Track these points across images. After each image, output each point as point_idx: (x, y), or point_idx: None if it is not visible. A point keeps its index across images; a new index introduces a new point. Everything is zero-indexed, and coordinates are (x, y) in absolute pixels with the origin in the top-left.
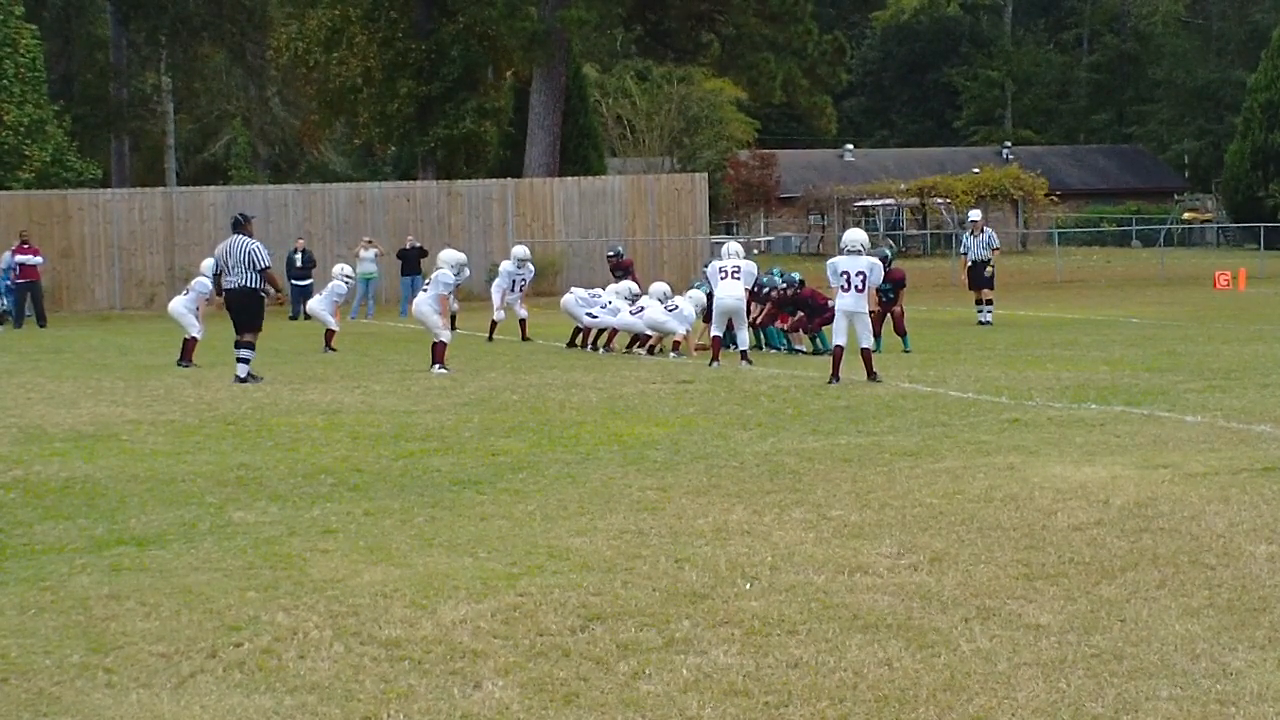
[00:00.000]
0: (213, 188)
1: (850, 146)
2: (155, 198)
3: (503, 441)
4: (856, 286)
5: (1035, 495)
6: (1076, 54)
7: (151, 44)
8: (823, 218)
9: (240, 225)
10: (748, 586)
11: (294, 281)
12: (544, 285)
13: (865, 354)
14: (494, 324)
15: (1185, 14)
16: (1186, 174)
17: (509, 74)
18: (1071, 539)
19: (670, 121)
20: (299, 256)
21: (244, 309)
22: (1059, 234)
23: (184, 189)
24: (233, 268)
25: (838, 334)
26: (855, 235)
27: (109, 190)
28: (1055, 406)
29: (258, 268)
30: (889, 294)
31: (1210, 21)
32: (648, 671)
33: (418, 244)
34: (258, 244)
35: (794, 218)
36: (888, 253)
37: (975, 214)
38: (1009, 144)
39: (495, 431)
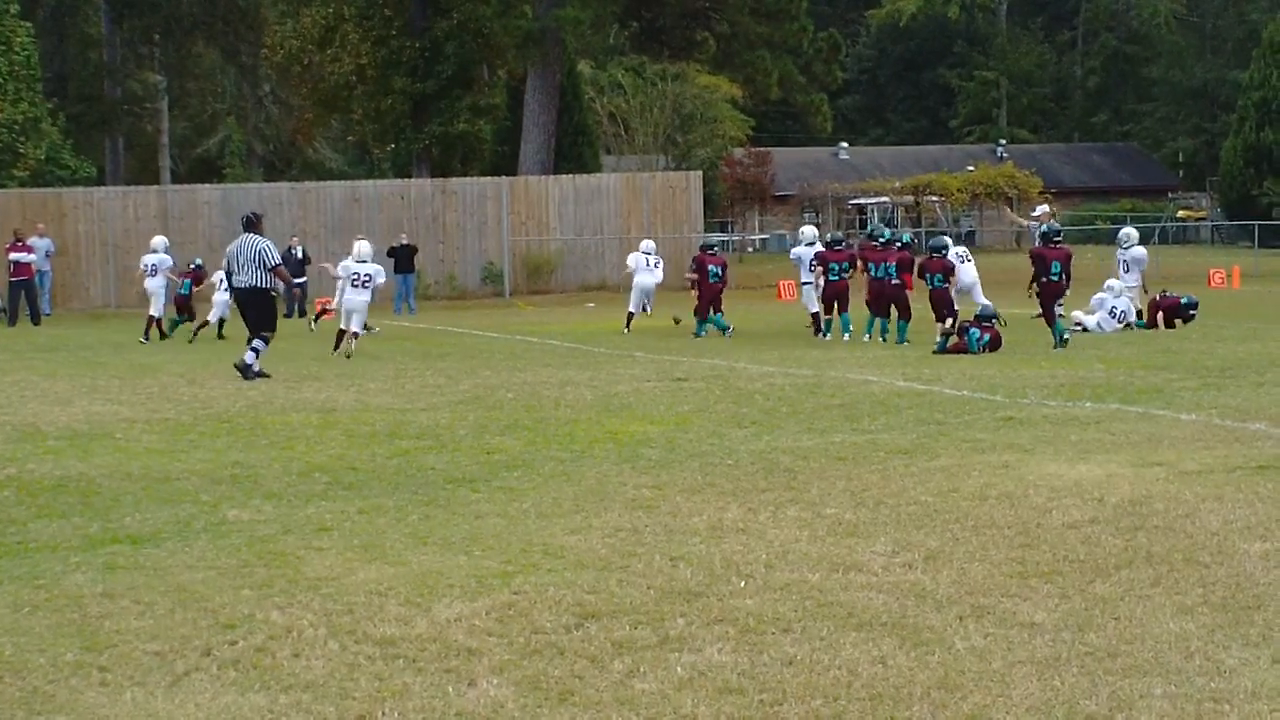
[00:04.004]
0: (207, 186)
1: (845, 144)
2: (150, 196)
3: (497, 439)
4: None
5: (1030, 493)
6: (1072, 54)
7: (145, 42)
8: (817, 215)
9: (251, 224)
10: (742, 584)
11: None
12: (539, 284)
13: None
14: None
15: (1182, 12)
16: (1181, 172)
17: (503, 72)
18: (1066, 537)
19: (664, 119)
20: (294, 255)
21: (255, 307)
22: None
23: (178, 187)
24: (242, 266)
25: None
26: None
27: (103, 188)
28: (1050, 404)
29: (268, 266)
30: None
31: (1206, 20)
32: (642, 669)
33: (405, 241)
34: (268, 243)
35: (789, 215)
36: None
37: (1043, 208)
38: (1003, 141)
39: (490, 429)
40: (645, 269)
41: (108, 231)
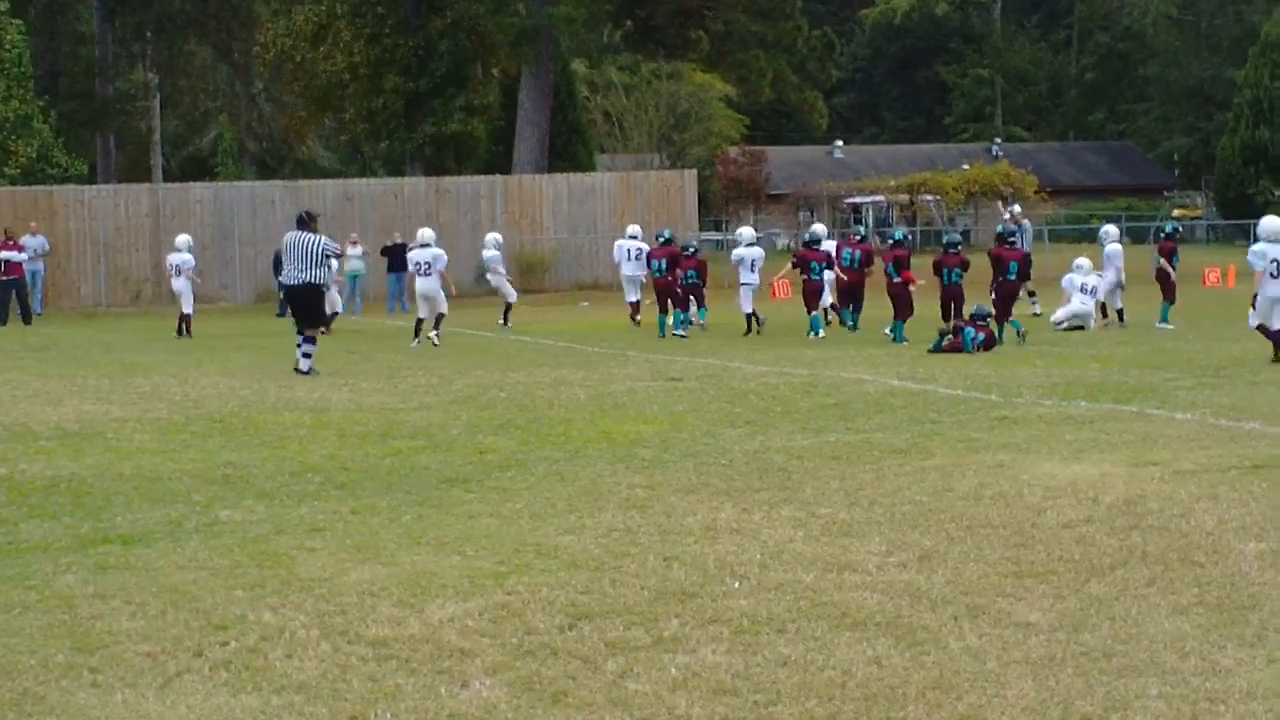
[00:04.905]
0: (199, 184)
1: (840, 143)
2: (141, 194)
3: (491, 439)
4: (1278, 273)
5: (1025, 493)
6: (1067, 52)
7: (137, 40)
8: (812, 214)
9: (305, 222)
10: (736, 585)
11: (281, 279)
12: (533, 283)
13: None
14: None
15: (1176, 12)
16: (1176, 171)
17: (496, 70)
18: (1061, 536)
19: (659, 117)
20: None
21: (306, 304)
22: (1049, 230)
23: (170, 185)
24: (295, 263)
25: (1269, 317)
26: (1278, 224)
27: (95, 186)
28: (1045, 404)
29: (330, 257)
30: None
31: (1201, 19)
32: (636, 670)
33: (399, 240)
34: (324, 238)
35: (784, 214)
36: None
37: (1015, 208)
38: (999, 140)
39: (483, 429)
40: (629, 261)
41: (99, 230)
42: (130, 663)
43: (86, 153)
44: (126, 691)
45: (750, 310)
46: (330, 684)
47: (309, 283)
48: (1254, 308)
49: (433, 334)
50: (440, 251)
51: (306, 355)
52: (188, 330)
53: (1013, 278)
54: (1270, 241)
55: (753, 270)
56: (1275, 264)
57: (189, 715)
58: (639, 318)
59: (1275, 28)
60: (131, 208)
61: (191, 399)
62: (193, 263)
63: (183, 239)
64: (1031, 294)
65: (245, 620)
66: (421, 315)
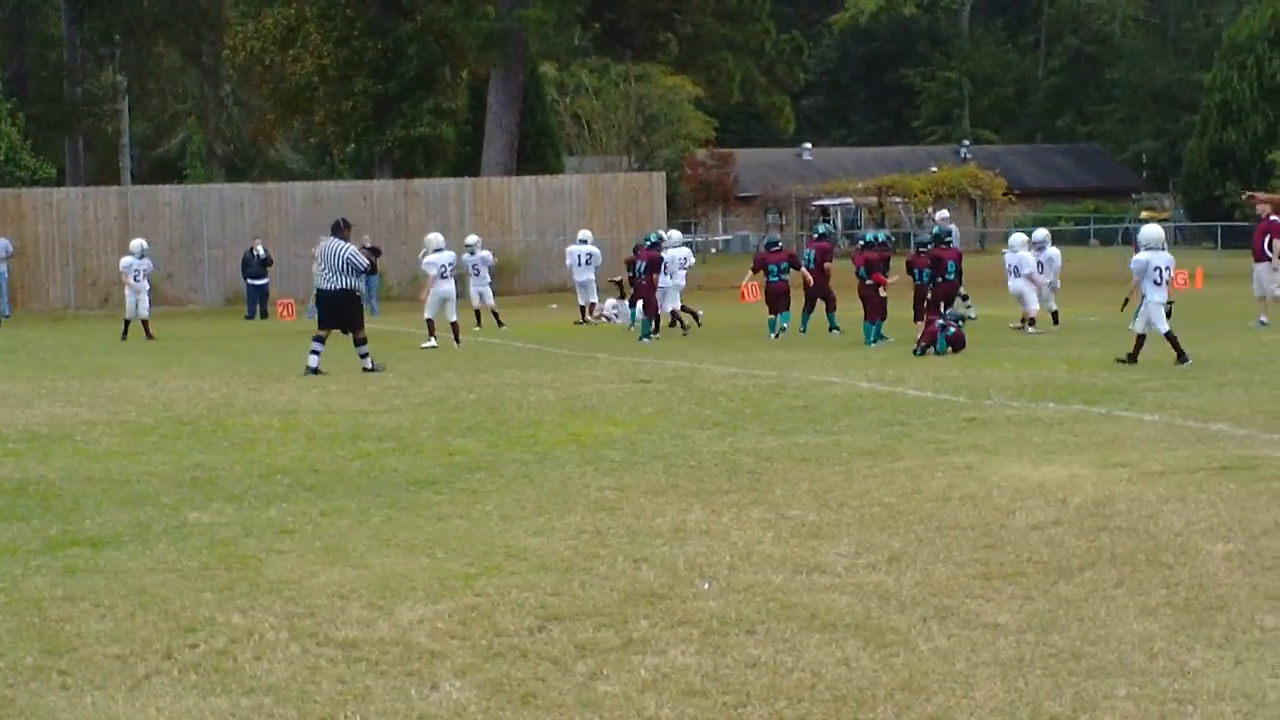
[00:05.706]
0: (168, 186)
1: (808, 146)
2: (110, 196)
3: (460, 441)
4: (1160, 280)
5: (993, 494)
6: (1035, 55)
7: (105, 42)
8: (780, 217)
9: (339, 229)
10: (706, 586)
11: (250, 281)
12: (501, 285)
13: (1169, 337)
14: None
15: (1143, 15)
16: (1144, 173)
17: (465, 72)
18: (1029, 538)
19: (628, 120)
20: (256, 255)
21: (341, 310)
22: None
23: (139, 187)
24: (328, 269)
25: (1147, 322)
26: (1159, 232)
27: (63, 189)
28: (1013, 405)
29: (358, 271)
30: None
31: (1168, 22)
32: (605, 672)
33: (369, 244)
34: (354, 249)
35: (752, 217)
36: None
37: (943, 213)
38: (967, 142)
39: (452, 431)
40: (580, 266)
41: (68, 232)
42: (100, 665)
43: (55, 155)
44: (96, 694)
45: (672, 309)
46: (299, 686)
47: (343, 289)
48: (1134, 314)
49: (455, 343)
50: (454, 253)
51: (364, 355)
52: (147, 333)
53: (951, 277)
54: (1151, 249)
55: (680, 270)
56: (1158, 271)
57: (158, 717)
58: (591, 319)
59: (1240, 30)
60: (100, 210)
61: (160, 401)
62: (132, 266)
63: (135, 243)
64: (965, 296)
65: (214, 622)
66: (429, 315)
